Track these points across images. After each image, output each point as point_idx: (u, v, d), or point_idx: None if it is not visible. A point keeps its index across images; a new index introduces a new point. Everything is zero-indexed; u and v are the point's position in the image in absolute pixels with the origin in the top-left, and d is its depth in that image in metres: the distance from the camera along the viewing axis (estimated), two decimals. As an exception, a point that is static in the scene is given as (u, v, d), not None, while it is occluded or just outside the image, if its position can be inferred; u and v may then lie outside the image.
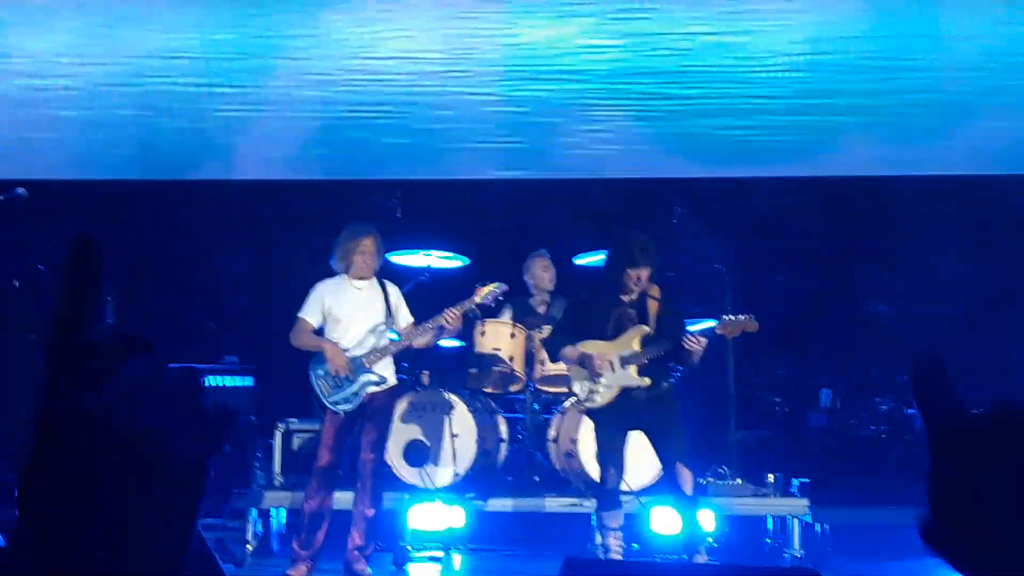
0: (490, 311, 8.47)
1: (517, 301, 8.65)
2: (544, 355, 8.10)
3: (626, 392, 6.66)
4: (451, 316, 7.08)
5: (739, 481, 8.01)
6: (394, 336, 7.25)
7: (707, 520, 7.26)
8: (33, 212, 8.07)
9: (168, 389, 2.35)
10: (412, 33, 9.27)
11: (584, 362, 6.71)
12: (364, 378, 7.09)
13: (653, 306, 6.72)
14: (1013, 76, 8.72)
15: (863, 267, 9.72)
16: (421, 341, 7.26)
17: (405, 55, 9.25)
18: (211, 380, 8.33)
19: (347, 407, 7.11)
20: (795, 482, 7.99)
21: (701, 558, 6.69)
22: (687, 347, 6.45)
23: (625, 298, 6.72)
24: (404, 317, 7.33)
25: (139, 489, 2.15)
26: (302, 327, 7.25)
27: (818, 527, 8.06)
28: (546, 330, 8.10)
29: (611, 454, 6.74)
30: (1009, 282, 9.24)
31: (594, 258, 8.87)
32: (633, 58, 9.13)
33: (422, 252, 8.74)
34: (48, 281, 9.05)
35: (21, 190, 7.73)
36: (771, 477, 7.92)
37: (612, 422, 6.74)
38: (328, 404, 7.19)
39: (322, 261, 7.30)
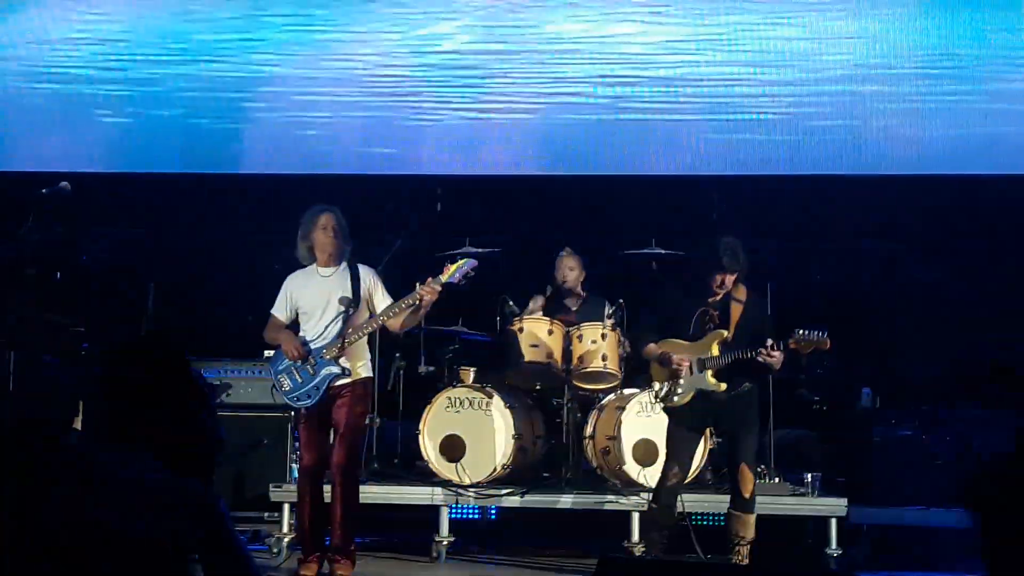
0: (526, 307, 8.48)
1: (551, 298, 8.64)
2: (582, 351, 8.07)
3: (703, 394, 6.68)
4: (422, 292, 6.77)
5: (777, 480, 7.95)
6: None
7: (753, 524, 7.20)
8: (77, 205, 8.16)
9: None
10: (449, 29, 9.34)
11: (664, 361, 6.73)
12: (325, 370, 6.85)
13: (736, 311, 6.70)
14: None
15: (905, 266, 9.62)
16: (394, 323, 6.99)
17: (439, 50, 9.33)
18: (248, 372, 8.35)
19: (308, 402, 6.87)
20: (834, 481, 7.93)
21: (739, 558, 6.66)
22: (763, 359, 6.44)
23: (709, 300, 6.71)
24: (381, 300, 7.00)
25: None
26: (271, 323, 7.08)
27: (856, 527, 7.99)
28: (584, 328, 8.09)
29: (680, 452, 6.80)
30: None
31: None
32: (673, 55, 9.17)
33: (463, 248, 8.72)
34: (92, 273, 9.13)
35: (65, 184, 7.81)
36: (809, 476, 7.85)
37: (686, 423, 6.80)
38: (287, 400, 7.02)
39: (360, 255, 7.22)
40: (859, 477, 8.14)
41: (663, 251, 8.59)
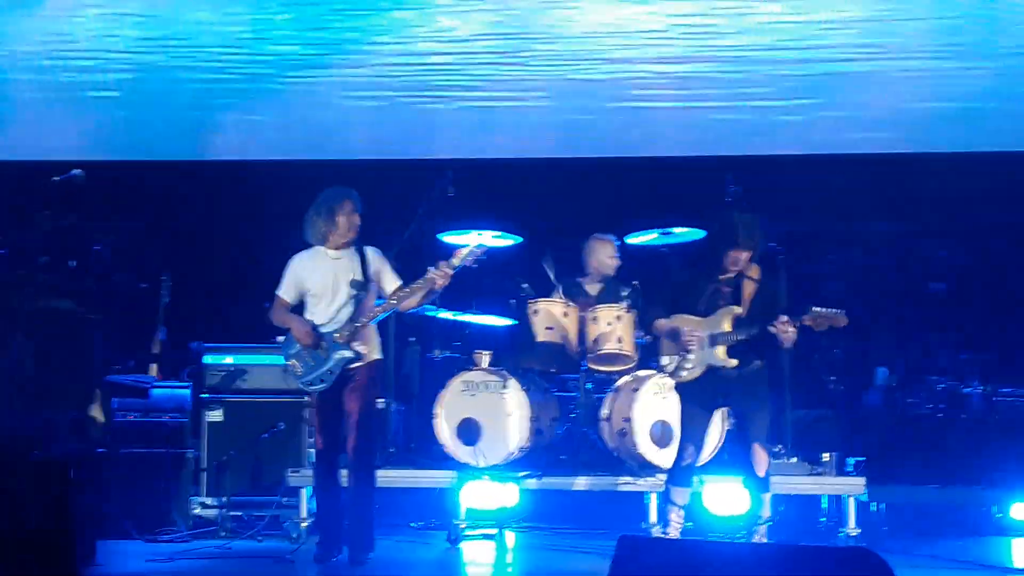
0: (544, 291, 8.45)
1: (568, 281, 8.60)
2: (597, 333, 8.06)
3: (712, 371, 6.62)
4: (434, 276, 6.75)
5: (795, 460, 7.94)
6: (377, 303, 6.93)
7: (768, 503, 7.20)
8: (90, 193, 8.14)
9: None
10: (467, 11, 9.32)
11: (674, 335, 6.69)
12: (338, 355, 6.80)
13: (749, 288, 6.64)
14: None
15: (920, 245, 9.60)
16: (407, 304, 6.96)
17: (458, 35, 9.30)
18: (262, 358, 8.36)
19: (322, 386, 6.83)
20: (851, 461, 7.91)
21: (758, 537, 6.65)
22: (776, 333, 6.40)
23: (722, 277, 6.66)
24: (390, 282, 6.96)
25: None
26: (277, 304, 7.00)
27: (874, 506, 7.99)
28: (600, 310, 8.09)
29: (692, 430, 6.74)
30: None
31: (645, 237, 8.81)
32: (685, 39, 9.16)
33: (474, 232, 8.70)
34: (104, 261, 9.12)
35: (78, 171, 7.79)
36: (827, 456, 7.84)
37: (697, 399, 6.74)
38: (301, 385, 6.98)
39: (373, 239, 7.19)
40: (877, 456, 8.13)
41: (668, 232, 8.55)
